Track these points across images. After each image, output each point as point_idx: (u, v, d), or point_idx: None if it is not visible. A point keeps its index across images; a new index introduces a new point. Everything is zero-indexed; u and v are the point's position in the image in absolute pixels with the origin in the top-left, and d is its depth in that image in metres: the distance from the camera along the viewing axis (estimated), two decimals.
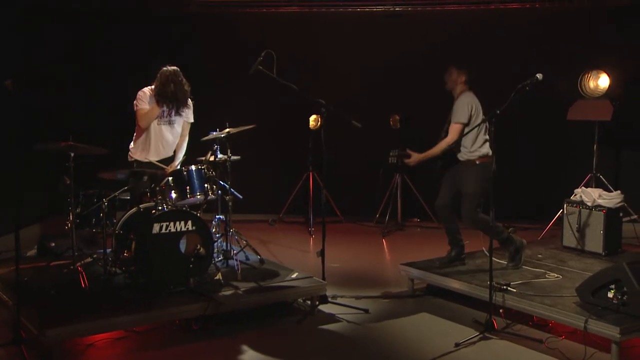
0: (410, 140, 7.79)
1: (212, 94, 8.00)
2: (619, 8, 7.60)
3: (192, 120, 5.64)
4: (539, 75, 4.80)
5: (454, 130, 5.26)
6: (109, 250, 5.08)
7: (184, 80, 5.39)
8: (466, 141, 5.29)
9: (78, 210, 5.14)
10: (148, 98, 5.37)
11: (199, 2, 8.20)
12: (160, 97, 5.33)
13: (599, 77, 7.15)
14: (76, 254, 5.03)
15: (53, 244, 5.86)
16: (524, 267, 5.40)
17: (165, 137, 5.50)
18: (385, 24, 8.12)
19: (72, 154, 4.89)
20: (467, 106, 5.25)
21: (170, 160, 5.58)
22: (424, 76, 7.96)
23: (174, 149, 5.61)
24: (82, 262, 5.13)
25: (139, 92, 5.39)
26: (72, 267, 4.96)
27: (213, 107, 7.61)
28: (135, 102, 5.39)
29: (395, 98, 8.01)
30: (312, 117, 7.64)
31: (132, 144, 5.56)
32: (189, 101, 5.53)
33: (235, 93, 7.91)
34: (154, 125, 5.42)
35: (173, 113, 5.45)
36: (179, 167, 5.48)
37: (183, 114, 5.52)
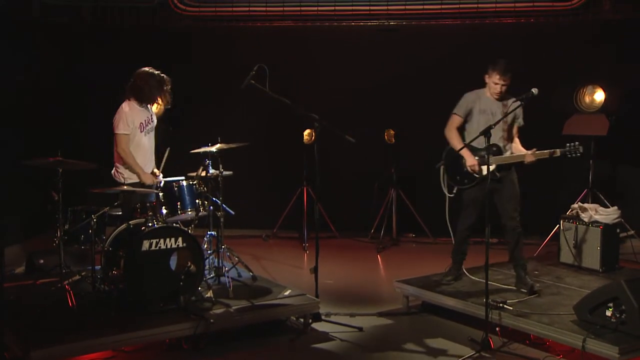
0: (405, 154, 7.82)
1: (205, 109, 7.98)
2: (614, 22, 7.59)
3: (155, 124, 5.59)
4: (535, 90, 4.79)
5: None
6: (97, 267, 4.98)
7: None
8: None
9: (66, 226, 5.04)
10: (128, 117, 5.18)
11: (192, 17, 8.17)
12: (139, 96, 5.22)
13: (594, 92, 7.13)
14: (64, 271, 4.93)
15: (42, 261, 5.78)
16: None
17: (152, 146, 5.40)
18: (380, 38, 8.10)
19: (60, 170, 4.81)
20: None
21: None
22: (420, 90, 7.95)
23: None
24: (70, 280, 5.04)
25: (120, 114, 5.16)
26: (59, 285, 4.86)
27: (206, 121, 7.58)
28: (115, 123, 5.14)
29: (390, 112, 7.97)
30: (306, 132, 7.59)
31: (118, 166, 5.26)
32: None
33: (229, 107, 7.86)
34: (141, 138, 5.29)
35: (151, 118, 5.36)
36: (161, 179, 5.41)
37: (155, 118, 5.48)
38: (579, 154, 5.09)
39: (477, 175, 5.14)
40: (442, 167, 5.30)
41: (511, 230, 5.25)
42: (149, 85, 5.22)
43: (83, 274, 5.23)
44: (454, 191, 5.28)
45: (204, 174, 5.44)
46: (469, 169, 5.16)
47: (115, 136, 5.16)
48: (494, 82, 5.13)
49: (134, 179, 5.23)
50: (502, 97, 5.19)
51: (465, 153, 5.13)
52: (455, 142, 5.24)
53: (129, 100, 5.25)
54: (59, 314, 4.57)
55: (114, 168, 5.30)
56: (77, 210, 5.16)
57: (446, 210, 5.43)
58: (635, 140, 7.59)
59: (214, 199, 5.49)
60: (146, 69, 5.29)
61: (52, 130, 7.38)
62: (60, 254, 4.91)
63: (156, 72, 5.30)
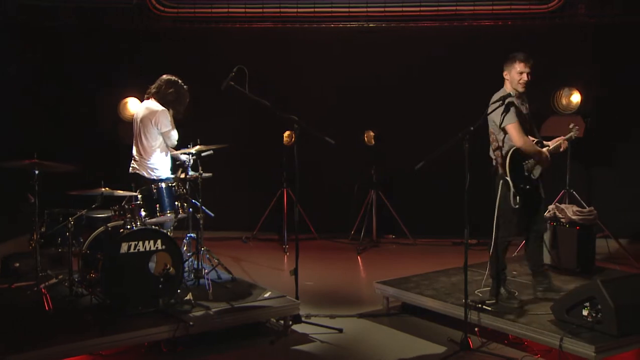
0: (385, 156, 7.84)
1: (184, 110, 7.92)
2: (590, 26, 7.70)
3: None
4: (513, 92, 4.83)
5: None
6: (75, 270, 4.92)
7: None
8: None
9: (43, 229, 4.97)
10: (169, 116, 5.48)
11: (171, 18, 8.12)
12: (166, 103, 5.50)
13: (571, 94, 7.23)
14: (41, 274, 4.86)
15: (17, 264, 5.70)
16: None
17: None
18: (359, 40, 8.12)
19: (37, 172, 4.75)
20: None
21: None
22: (398, 92, 7.99)
23: None
24: (47, 283, 4.97)
25: (163, 113, 5.43)
26: (35, 288, 4.79)
27: (186, 123, 7.53)
28: (159, 124, 5.42)
29: (369, 114, 7.99)
30: (286, 133, 7.58)
31: (152, 162, 5.47)
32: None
33: (208, 109, 7.81)
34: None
35: None
36: None
37: None
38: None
39: (533, 177, 4.89)
40: (508, 179, 4.69)
41: (540, 234, 5.17)
42: (179, 95, 5.54)
43: (60, 277, 5.16)
44: (518, 200, 4.73)
45: (183, 175, 5.41)
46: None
47: (165, 134, 5.46)
48: (519, 72, 4.85)
49: (168, 174, 5.53)
50: (521, 94, 4.95)
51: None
52: (535, 147, 4.90)
53: (151, 99, 5.51)
54: (35, 318, 4.51)
55: (141, 164, 5.43)
56: (54, 213, 5.08)
57: (495, 218, 4.80)
58: (610, 141, 7.71)
59: (193, 201, 5.46)
60: (173, 77, 5.54)
61: (31, 132, 7.28)
62: (37, 257, 4.84)
63: (182, 83, 5.57)
